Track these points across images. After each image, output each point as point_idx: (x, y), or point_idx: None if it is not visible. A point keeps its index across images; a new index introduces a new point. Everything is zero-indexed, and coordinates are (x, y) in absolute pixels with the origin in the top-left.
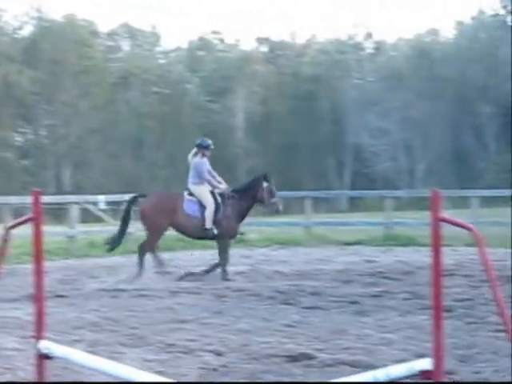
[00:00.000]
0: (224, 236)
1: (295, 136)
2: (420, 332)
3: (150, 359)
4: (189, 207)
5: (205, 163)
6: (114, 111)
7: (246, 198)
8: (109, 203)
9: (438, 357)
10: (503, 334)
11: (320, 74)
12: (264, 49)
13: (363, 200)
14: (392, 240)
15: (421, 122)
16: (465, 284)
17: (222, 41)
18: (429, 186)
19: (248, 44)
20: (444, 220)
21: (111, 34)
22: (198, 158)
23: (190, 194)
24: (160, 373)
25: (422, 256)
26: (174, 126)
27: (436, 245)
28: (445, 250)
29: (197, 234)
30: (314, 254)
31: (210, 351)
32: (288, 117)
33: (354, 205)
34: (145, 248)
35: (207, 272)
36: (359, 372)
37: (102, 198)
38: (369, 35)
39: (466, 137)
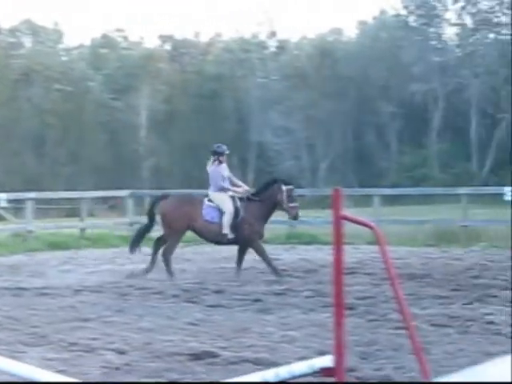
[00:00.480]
0: (248, 240)
1: (199, 134)
2: (322, 329)
3: (52, 358)
4: (208, 213)
5: (220, 171)
6: (15, 108)
7: (267, 201)
8: (10, 201)
9: (338, 354)
10: (403, 332)
11: (224, 72)
12: (168, 47)
13: None
14: (295, 238)
15: (324, 120)
16: (367, 282)
17: (125, 38)
18: (331, 185)
19: (152, 42)
20: (345, 218)
21: (13, 31)
22: (213, 167)
23: (210, 200)
24: (61, 372)
25: (324, 254)
26: (76, 123)
27: (337, 243)
28: (347, 248)
29: (215, 239)
30: (219, 253)
31: (113, 350)
32: (192, 115)
33: None
34: (166, 251)
35: (275, 273)
36: (262, 369)
37: (3, 196)
38: (272, 34)
39: (368, 136)
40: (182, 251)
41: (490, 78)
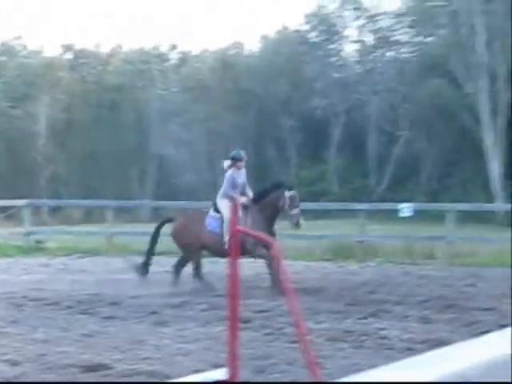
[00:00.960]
0: (251, 249)
1: (98, 144)
2: (218, 342)
3: None
4: (210, 224)
5: (234, 178)
6: None
7: (268, 206)
8: None
9: (232, 367)
10: (298, 345)
11: (124, 83)
12: (69, 56)
13: (165, 210)
14: None
15: (225, 134)
16: (263, 295)
17: (25, 47)
18: None
19: (52, 51)
20: (243, 232)
21: None
22: (230, 172)
23: (216, 210)
24: None
25: (222, 267)
26: None
27: (233, 256)
28: (244, 261)
29: (219, 250)
30: (115, 264)
31: (6, 361)
32: (91, 125)
33: (157, 215)
34: (177, 264)
35: (275, 287)
36: (156, 382)
37: None
38: (173, 46)
39: (268, 150)
40: (76, 262)
41: (388, 95)
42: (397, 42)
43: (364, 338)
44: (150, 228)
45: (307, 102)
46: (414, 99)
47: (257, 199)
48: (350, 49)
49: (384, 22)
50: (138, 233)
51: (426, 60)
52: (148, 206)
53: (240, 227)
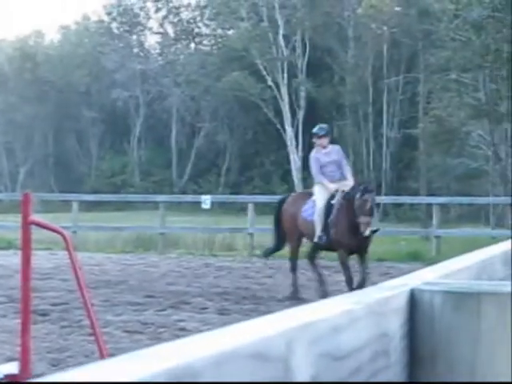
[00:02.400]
0: (334, 246)
1: None
2: (14, 336)
3: None
4: (306, 210)
5: (317, 158)
6: None
7: (351, 206)
8: None
9: (24, 360)
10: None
11: None
12: None
13: None
14: None
15: (24, 125)
16: (62, 288)
17: None
18: (30, 190)
19: None
20: (36, 223)
21: None
22: (312, 153)
23: None
24: None
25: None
26: None
27: (25, 248)
28: (44, 253)
29: (313, 239)
30: None
31: None
32: None
33: None
34: (290, 257)
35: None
36: None
37: None
38: None
39: (69, 141)
40: None
41: (190, 87)
42: (199, 35)
43: (162, 329)
44: None
45: (108, 94)
46: (216, 91)
47: (349, 194)
48: (152, 40)
49: (185, 15)
50: None
51: (228, 52)
52: None
53: (34, 218)
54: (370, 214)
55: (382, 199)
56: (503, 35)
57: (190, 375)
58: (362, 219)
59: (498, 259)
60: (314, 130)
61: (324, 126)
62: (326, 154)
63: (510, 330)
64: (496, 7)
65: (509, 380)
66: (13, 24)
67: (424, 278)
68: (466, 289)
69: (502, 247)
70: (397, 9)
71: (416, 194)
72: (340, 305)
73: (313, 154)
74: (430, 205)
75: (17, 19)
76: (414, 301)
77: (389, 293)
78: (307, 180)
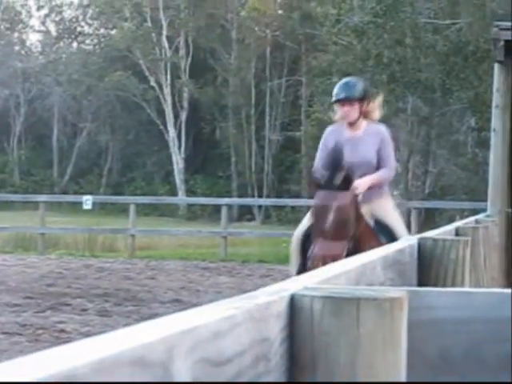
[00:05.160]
0: None
1: None
2: None
3: None
4: None
5: (325, 146)
6: None
7: None
8: None
9: None
10: None
11: None
12: None
13: None
14: None
15: None
16: None
17: None
18: None
19: None
20: None
21: None
22: (326, 131)
23: None
24: None
25: None
26: None
27: None
28: None
29: None
30: None
31: None
32: None
33: None
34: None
35: None
36: None
37: None
38: None
39: None
40: None
41: (72, 86)
42: (81, 34)
43: (41, 331)
44: None
45: None
46: (98, 91)
47: None
48: (33, 38)
49: (67, 14)
50: None
51: (111, 52)
52: None
53: None
54: None
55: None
56: (384, 40)
57: (72, 382)
58: None
59: (378, 263)
60: (337, 91)
61: (353, 80)
62: (351, 139)
63: (387, 334)
64: (377, 13)
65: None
66: None
67: (305, 282)
68: (345, 294)
69: (382, 251)
70: (280, 12)
71: (298, 196)
72: (221, 310)
73: (326, 134)
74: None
75: None
76: (294, 306)
77: (269, 298)
78: (189, 182)
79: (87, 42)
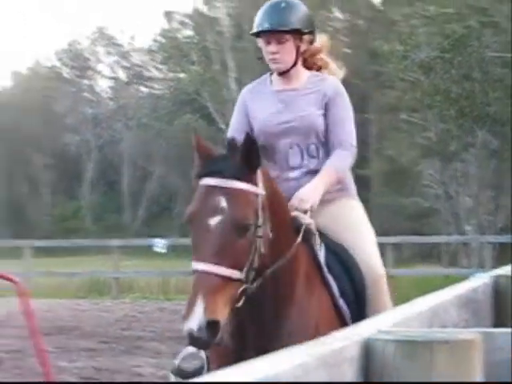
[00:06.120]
0: None
1: None
2: None
3: None
4: None
5: (242, 103)
6: None
7: None
8: None
9: None
10: None
11: None
12: None
13: None
14: None
15: None
16: (14, 335)
17: None
18: None
19: None
20: None
21: None
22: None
23: None
24: None
25: None
26: None
27: None
28: None
29: None
30: None
31: None
32: None
33: None
34: None
35: None
36: None
37: None
38: None
39: (20, 187)
40: None
41: (142, 131)
42: (150, 78)
43: (117, 375)
44: None
45: (59, 139)
46: (168, 135)
47: None
48: (103, 84)
49: (136, 59)
50: None
51: (179, 96)
52: None
53: None
54: None
55: None
56: (451, 75)
57: None
58: None
59: (451, 303)
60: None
61: (287, 1)
62: (283, 93)
63: (461, 376)
64: (444, 48)
65: None
66: None
67: (377, 325)
68: (418, 337)
69: (455, 291)
70: (347, 50)
71: None
72: (296, 357)
73: (243, 91)
74: (382, 244)
75: None
76: (367, 350)
77: (342, 343)
78: None
79: (156, 86)
